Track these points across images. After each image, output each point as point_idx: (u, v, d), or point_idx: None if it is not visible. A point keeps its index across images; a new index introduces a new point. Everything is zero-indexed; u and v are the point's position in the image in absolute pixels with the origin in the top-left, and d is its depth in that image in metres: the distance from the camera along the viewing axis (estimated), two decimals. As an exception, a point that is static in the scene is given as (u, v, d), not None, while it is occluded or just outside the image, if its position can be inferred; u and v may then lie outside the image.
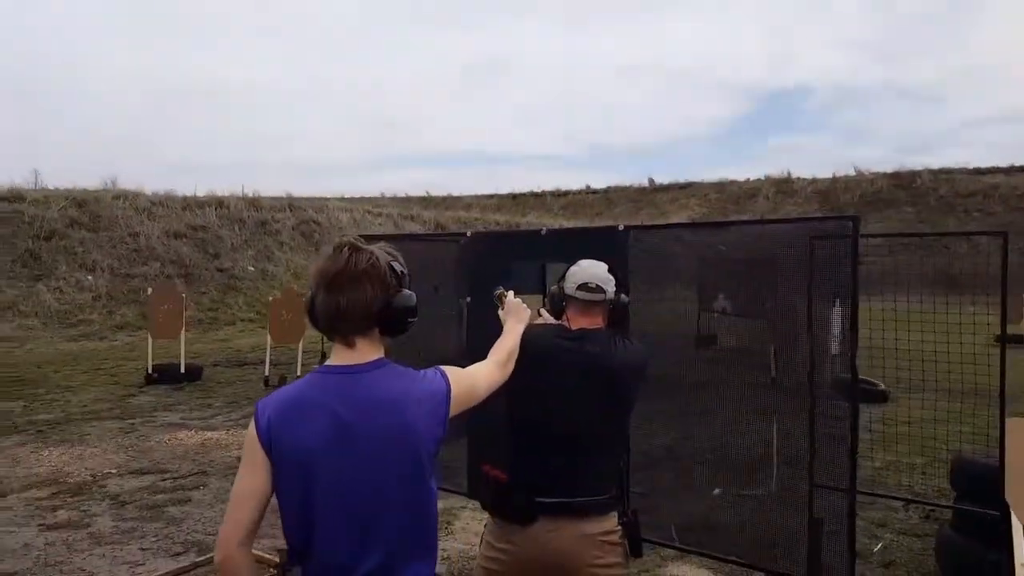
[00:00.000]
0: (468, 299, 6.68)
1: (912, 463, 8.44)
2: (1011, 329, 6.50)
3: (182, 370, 14.62)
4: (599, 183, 61.54)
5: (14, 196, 26.00)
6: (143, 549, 6.41)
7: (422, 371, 2.44)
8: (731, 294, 6.13)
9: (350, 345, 2.31)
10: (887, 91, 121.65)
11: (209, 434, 10.50)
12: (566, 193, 60.21)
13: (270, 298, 16.74)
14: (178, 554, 6.30)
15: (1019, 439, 3.96)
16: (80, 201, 26.77)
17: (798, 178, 52.29)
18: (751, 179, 54.30)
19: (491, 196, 60.98)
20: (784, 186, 51.92)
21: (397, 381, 2.33)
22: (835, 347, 5.49)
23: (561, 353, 3.30)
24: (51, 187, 30.46)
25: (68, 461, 9.06)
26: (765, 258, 5.68)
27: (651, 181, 58.22)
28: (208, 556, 5.68)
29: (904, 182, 47.88)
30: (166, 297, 15.91)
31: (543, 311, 3.63)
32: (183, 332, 15.17)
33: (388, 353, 2.40)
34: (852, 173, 51.08)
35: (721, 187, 54.52)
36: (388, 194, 57.98)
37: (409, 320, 2.38)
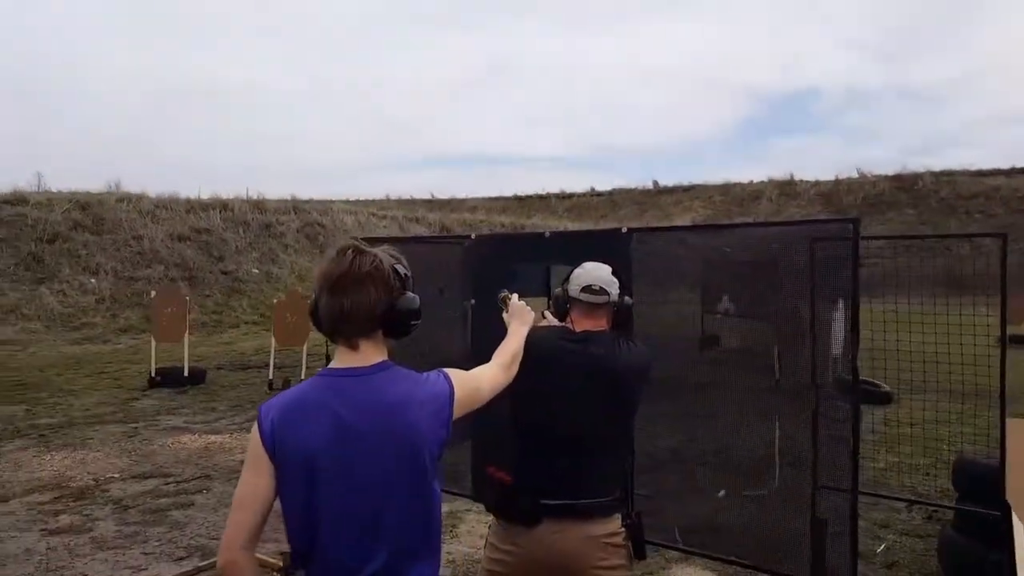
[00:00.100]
0: (472, 301, 6.68)
1: (915, 464, 8.43)
2: (1012, 330, 6.49)
3: (185, 373, 14.60)
4: (603, 185, 61.65)
5: (17, 199, 26.03)
6: (146, 554, 6.41)
7: (425, 374, 2.44)
8: (735, 296, 6.13)
9: (354, 348, 2.32)
10: (891, 93, 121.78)
11: (213, 438, 10.50)
12: (571, 195, 60.23)
13: (274, 301, 16.72)
14: (181, 558, 6.30)
15: (1019, 440, 3.97)
16: (83, 204, 26.80)
17: (801, 180, 52.31)
18: (754, 181, 54.33)
19: (496, 198, 61.00)
20: (787, 188, 51.93)
21: (401, 383, 2.33)
22: (838, 348, 5.50)
23: (565, 355, 3.30)
24: (54, 190, 30.53)
25: (71, 465, 9.07)
26: (768, 260, 5.68)
27: (655, 183, 58.27)
28: (211, 560, 5.68)
29: (906, 184, 47.88)
30: (170, 300, 15.90)
31: (547, 313, 3.63)
32: (187, 335, 15.17)
33: (392, 355, 2.41)
34: (855, 175, 51.11)
35: (725, 189, 54.53)
36: (393, 196, 58.02)
37: (413, 322, 2.38)
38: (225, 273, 26.82)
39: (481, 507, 5.59)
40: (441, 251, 7.67)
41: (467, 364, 2.80)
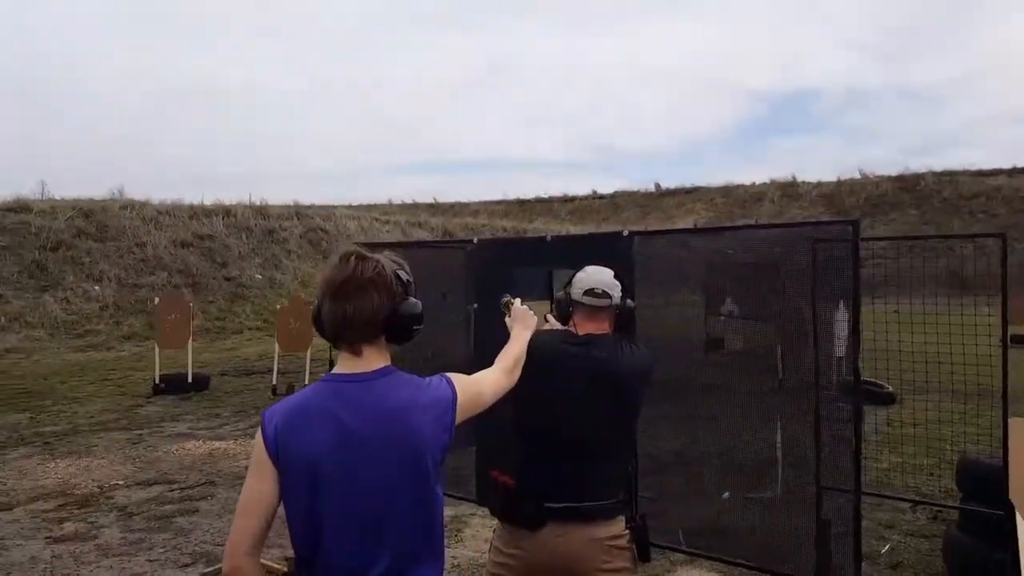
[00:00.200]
0: (475, 306, 6.70)
1: (919, 464, 8.43)
2: (1013, 330, 6.49)
3: (189, 380, 14.61)
4: (605, 187, 61.68)
5: (20, 207, 26.03)
6: (151, 560, 6.42)
7: (428, 378, 2.45)
8: (738, 298, 6.14)
9: (356, 353, 2.33)
10: (891, 93, 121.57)
11: (217, 444, 10.51)
12: (573, 198, 60.21)
13: (278, 306, 16.75)
14: (186, 565, 6.31)
15: (1022, 439, 3.97)
16: (87, 211, 26.81)
17: (803, 182, 52.29)
18: (756, 183, 54.32)
19: (499, 202, 60.97)
20: (789, 190, 51.91)
21: (403, 388, 2.34)
22: (841, 350, 5.51)
23: (568, 359, 3.31)
24: (58, 197, 30.54)
25: (75, 473, 9.08)
26: (770, 262, 5.69)
27: (657, 186, 58.25)
28: (216, 567, 5.67)
29: (908, 185, 47.86)
30: (173, 307, 15.89)
31: (550, 317, 3.65)
32: (190, 342, 15.19)
33: (395, 360, 2.42)
34: (857, 176, 51.09)
35: (727, 191, 54.51)
36: (396, 201, 57.98)
37: (415, 328, 2.39)
38: (228, 279, 26.83)
39: (486, 511, 5.59)
40: (444, 256, 7.70)
41: (470, 368, 2.81)
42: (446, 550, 2.54)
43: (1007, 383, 5.47)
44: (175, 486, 8.51)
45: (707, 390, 5.95)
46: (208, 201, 32.26)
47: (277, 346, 15.05)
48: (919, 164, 53.67)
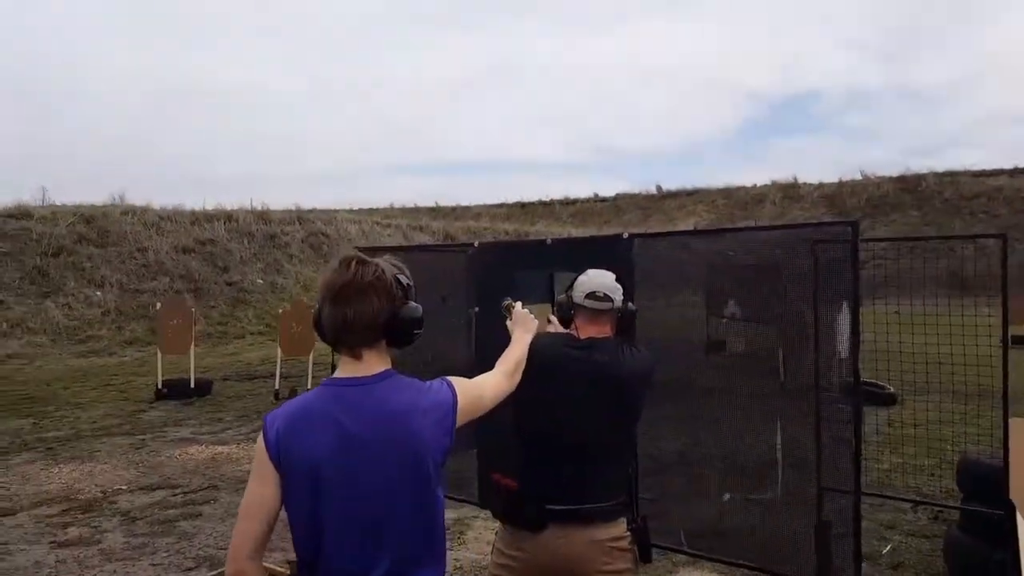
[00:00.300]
0: (476, 309, 6.71)
1: (920, 465, 8.44)
2: (1014, 330, 6.50)
3: (192, 385, 14.63)
4: (607, 189, 61.57)
5: (22, 213, 26.04)
6: (154, 565, 6.44)
7: (428, 382, 2.46)
8: (740, 300, 6.15)
9: (357, 357, 2.34)
10: (892, 93, 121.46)
11: (220, 448, 10.52)
12: (574, 201, 60.12)
13: (280, 311, 16.75)
14: (190, 569, 6.33)
15: (1022, 439, 3.98)
16: (88, 217, 26.82)
17: (804, 183, 52.22)
18: (758, 185, 54.25)
19: (500, 205, 60.94)
20: (791, 191, 51.86)
21: (404, 392, 2.35)
22: (843, 351, 5.51)
23: (569, 362, 3.33)
24: (58, 203, 30.56)
25: (78, 478, 9.09)
26: (771, 264, 5.70)
27: (659, 188, 58.18)
28: (219, 571, 5.69)
29: (909, 186, 47.80)
30: (175, 312, 15.90)
31: (553, 319, 3.66)
32: (192, 347, 15.21)
33: (395, 364, 2.43)
34: (858, 177, 51.04)
35: (728, 193, 54.45)
36: (397, 205, 57.94)
37: (415, 331, 2.40)
38: (230, 284, 26.82)
39: (488, 514, 5.62)
40: (445, 259, 7.70)
41: (471, 372, 2.82)
42: (448, 553, 2.56)
43: (1007, 383, 5.48)
44: (178, 491, 8.52)
45: (708, 392, 5.96)
46: (209, 206, 32.34)
47: (279, 350, 15.06)
48: (920, 165, 53.81)
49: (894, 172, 49.83)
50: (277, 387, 14.49)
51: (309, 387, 12.77)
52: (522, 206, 60.41)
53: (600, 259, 3.69)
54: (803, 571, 5.12)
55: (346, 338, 2.32)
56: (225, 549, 2.74)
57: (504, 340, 3.23)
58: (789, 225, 7.22)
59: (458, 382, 2.52)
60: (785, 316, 5.62)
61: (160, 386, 14.43)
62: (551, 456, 3.29)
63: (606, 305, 3.41)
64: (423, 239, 34.19)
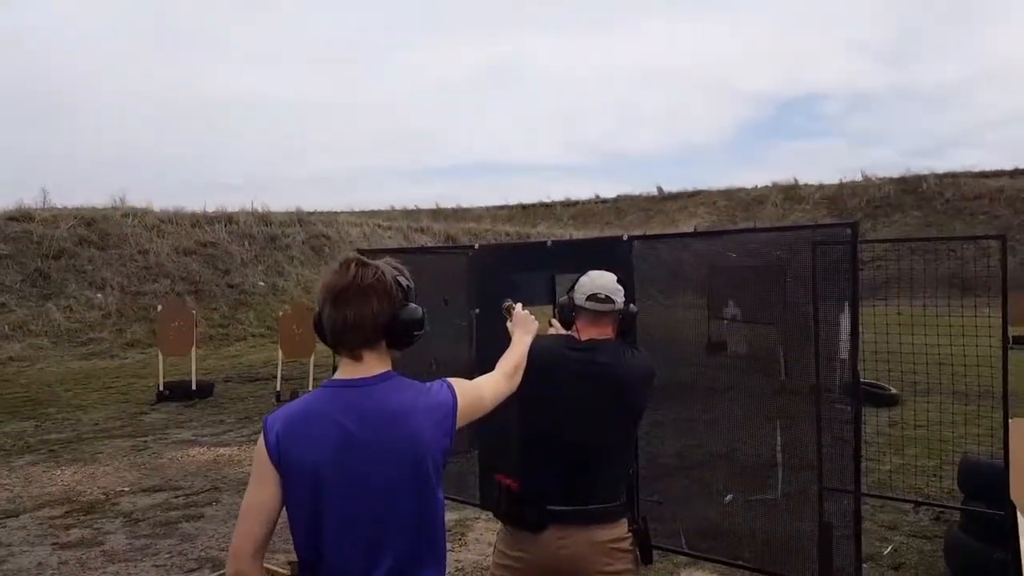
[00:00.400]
0: (477, 311, 6.72)
1: (921, 465, 8.44)
2: (1014, 331, 6.50)
3: (193, 387, 14.63)
4: (608, 191, 61.40)
5: (23, 216, 26.01)
6: (157, 566, 6.44)
7: (428, 383, 2.47)
8: (740, 301, 6.16)
9: (357, 359, 2.34)
10: (893, 95, 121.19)
11: (221, 450, 10.53)
12: (575, 203, 60.06)
13: (280, 313, 16.76)
14: (192, 570, 6.34)
15: (1023, 440, 3.98)
16: (89, 219, 26.80)
17: (805, 184, 52.18)
18: (759, 186, 54.19)
19: (501, 207, 60.91)
20: (792, 192, 51.81)
21: (404, 393, 2.36)
22: (844, 351, 5.52)
23: (570, 364, 3.33)
24: (59, 205, 30.53)
25: (81, 480, 9.11)
26: (771, 265, 5.71)
27: (660, 189, 58.10)
28: (221, 572, 5.70)
29: (910, 187, 47.75)
30: (176, 314, 15.89)
31: (554, 322, 3.67)
32: (194, 349, 15.22)
33: (395, 366, 2.44)
34: (859, 178, 50.99)
35: (729, 194, 54.41)
36: (398, 207, 57.91)
37: (415, 333, 2.41)
38: (231, 286, 26.80)
39: (490, 515, 5.62)
40: (446, 261, 7.72)
41: (472, 373, 2.82)
42: (449, 554, 2.56)
43: (1007, 384, 5.48)
44: (180, 492, 8.53)
45: (710, 393, 5.97)
46: (210, 208, 32.27)
47: (280, 352, 15.06)
48: (921, 166, 53.73)
49: (895, 173, 49.80)
50: (278, 389, 14.49)
51: (310, 389, 12.77)
52: (523, 208, 60.39)
53: (600, 261, 3.70)
54: (804, 572, 5.13)
55: (346, 340, 2.33)
56: (226, 550, 2.75)
57: (505, 341, 3.23)
58: (789, 227, 7.24)
59: (458, 383, 2.53)
60: (785, 317, 5.63)
61: (161, 388, 14.44)
62: (552, 457, 3.29)
63: (607, 307, 3.41)
64: (424, 241, 34.15)
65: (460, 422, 2.44)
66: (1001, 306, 5.52)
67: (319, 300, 2.37)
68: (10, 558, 6.62)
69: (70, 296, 23.34)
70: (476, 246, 7.20)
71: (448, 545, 2.47)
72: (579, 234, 40.42)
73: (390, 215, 48.43)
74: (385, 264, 2.38)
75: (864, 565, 5.21)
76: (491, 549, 3.62)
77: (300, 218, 33.73)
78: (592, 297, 3.41)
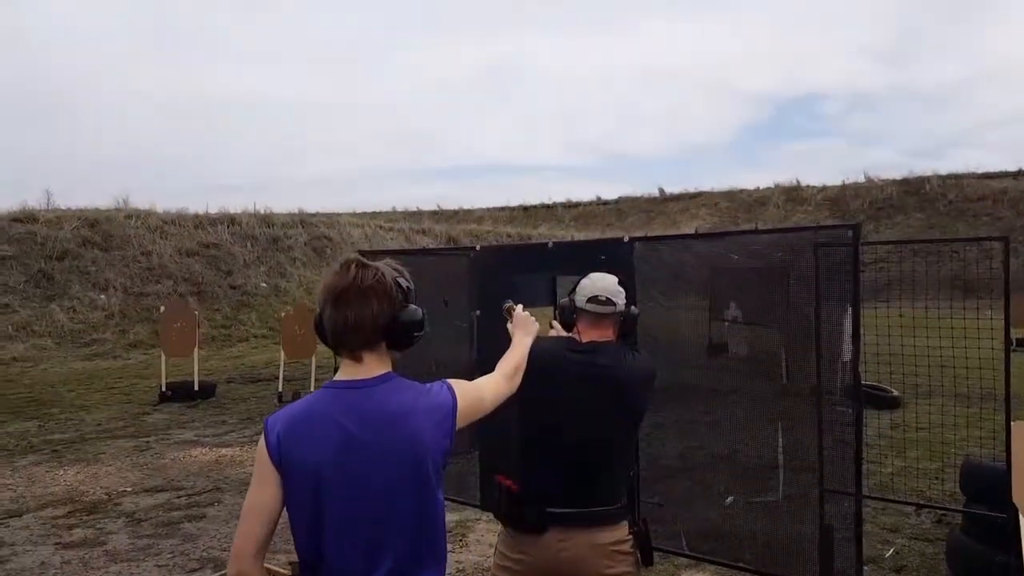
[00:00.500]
0: (478, 312, 6.73)
1: (923, 468, 8.43)
2: (1016, 333, 6.49)
3: (196, 387, 14.65)
4: (609, 193, 61.51)
5: (26, 217, 26.04)
6: (159, 566, 6.45)
7: (428, 384, 2.47)
8: (741, 303, 6.16)
9: (357, 360, 2.35)
10: (895, 95, 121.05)
11: (223, 451, 10.54)
12: (577, 204, 60.06)
13: (283, 314, 16.76)
14: (194, 570, 6.35)
15: (1025, 442, 3.98)
16: (92, 221, 26.82)
17: (807, 186, 52.16)
18: (760, 187, 54.19)
19: (502, 208, 60.91)
20: (793, 194, 51.78)
21: (404, 395, 2.36)
22: (846, 354, 5.52)
23: (570, 366, 3.34)
24: (63, 207, 30.55)
25: (83, 480, 9.12)
26: (773, 266, 5.71)
27: (661, 191, 58.09)
28: (222, 572, 5.71)
29: (913, 188, 47.71)
30: (179, 315, 15.91)
31: (555, 323, 3.67)
32: (196, 349, 15.22)
33: (395, 367, 2.44)
34: (862, 180, 50.96)
35: (731, 196, 54.40)
36: (399, 208, 57.94)
37: (415, 334, 2.41)
38: (234, 287, 26.82)
39: (491, 516, 5.62)
40: (447, 263, 7.72)
41: (472, 374, 2.83)
42: (450, 555, 2.57)
43: (1009, 386, 5.48)
44: (182, 492, 8.54)
45: (711, 395, 5.97)
46: (213, 209, 32.30)
47: (282, 353, 15.06)
48: (924, 167, 53.66)
49: (898, 174, 49.80)
50: (280, 390, 14.49)
51: (312, 390, 12.79)
52: (524, 209, 60.39)
53: (600, 263, 3.70)
54: (805, 574, 5.13)
55: (346, 341, 2.33)
56: (228, 550, 2.75)
57: (505, 343, 3.22)
58: (790, 228, 7.24)
59: (458, 384, 2.53)
60: (787, 319, 5.64)
61: (164, 389, 14.46)
62: (553, 459, 3.29)
63: (608, 309, 3.41)
64: (425, 242, 34.15)
65: (460, 423, 2.44)
66: (1004, 308, 5.51)
67: (320, 301, 2.37)
68: (13, 557, 6.63)
69: (73, 297, 23.37)
70: (477, 247, 7.21)
71: (449, 546, 2.47)
72: (580, 236, 40.39)
73: (392, 216, 48.47)
74: (385, 265, 2.38)
75: (865, 568, 5.21)
76: (492, 550, 3.63)
77: (302, 219, 33.75)
78: (593, 299, 3.41)
